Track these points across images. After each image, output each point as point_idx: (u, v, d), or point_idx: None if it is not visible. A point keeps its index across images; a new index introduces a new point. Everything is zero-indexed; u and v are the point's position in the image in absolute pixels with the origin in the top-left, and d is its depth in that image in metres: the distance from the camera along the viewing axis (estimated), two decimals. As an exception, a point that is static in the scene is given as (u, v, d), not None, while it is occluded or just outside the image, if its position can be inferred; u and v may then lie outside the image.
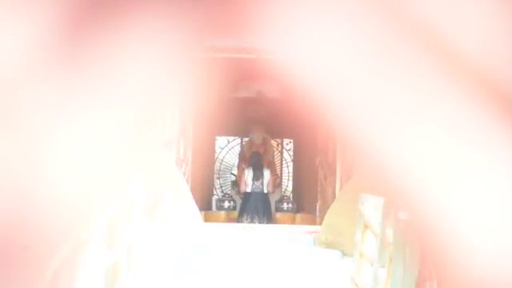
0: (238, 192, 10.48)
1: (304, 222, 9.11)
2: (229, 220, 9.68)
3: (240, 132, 11.28)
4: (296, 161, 11.49)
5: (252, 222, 9.17)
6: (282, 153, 11.65)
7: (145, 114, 0.39)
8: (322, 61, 0.38)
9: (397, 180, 0.38)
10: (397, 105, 0.37)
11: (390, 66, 0.37)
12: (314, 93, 0.38)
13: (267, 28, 0.38)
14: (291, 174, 11.61)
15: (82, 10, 0.38)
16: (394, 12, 0.37)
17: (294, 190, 11.43)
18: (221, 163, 11.57)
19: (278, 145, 11.59)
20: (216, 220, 9.12)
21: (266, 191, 9.36)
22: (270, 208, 9.50)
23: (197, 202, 6.78)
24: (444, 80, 0.37)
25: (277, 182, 10.92)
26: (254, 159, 9.64)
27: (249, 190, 9.34)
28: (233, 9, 0.38)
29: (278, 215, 10.03)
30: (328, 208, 6.95)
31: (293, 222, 9.61)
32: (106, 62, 0.38)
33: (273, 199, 10.11)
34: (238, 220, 9.33)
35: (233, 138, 11.58)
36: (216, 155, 11.53)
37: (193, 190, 7.06)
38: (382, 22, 0.37)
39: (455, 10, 0.38)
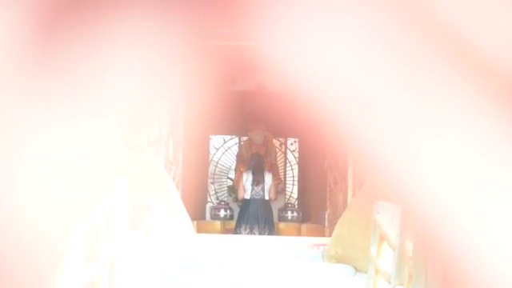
0: (236, 199, 10.49)
1: (311, 233, 9.12)
2: (225, 231, 9.69)
3: (237, 130, 11.29)
4: (302, 163, 11.50)
5: (251, 233, 9.17)
6: (285, 154, 11.65)
7: (130, 115, 0.39)
8: (329, 57, 0.38)
9: (413, 193, 0.38)
10: (416, 113, 0.38)
11: (408, 70, 0.37)
12: (321, 87, 0.38)
13: (271, 19, 0.39)
14: (296, 179, 11.62)
15: (60, 9, 0.38)
16: (416, 13, 0.38)
17: (300, 197, 11.44)
18: (216, 166, 11.58)
19: (281, 145, 11.61)
20: (210, 231, 9.13)
21: (267, 198, 9.36)
22: (271, 217, 9.51)
23: (188, 211, 6.79)
24: (472, 89, 0.38)
25: (280, 188, 10.94)
26: (254, 161, 9.64)
27: (248, 196, 9.34)
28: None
29: (282, 225, 10.04)
30: (338, 217, 6.95)
31: (298, 233, 9.62)
32: (86, 62, 0.38)
33: (275, 207, 10.12)
34: (236, 231, 9.33)
35: (229, 137, 11.59)
36: (210, 157, 11.54)
37: (184, 197, 7.06)
38: (402, 23, 0.38)
39: (479, 12, 0.38)
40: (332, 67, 0.38)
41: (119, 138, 0.39)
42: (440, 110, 0.39)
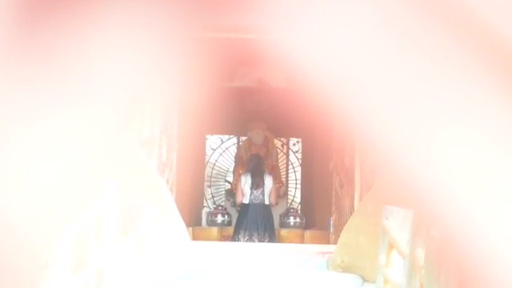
0: (234, 203, 10.49)
1: (315, 240, 9.12)
2: (222, 238, 9.68)
3: (236, 130, 11.29)
4: (305, 165, 11.50)
5: (250, 240, 9.17)
6: (287, 155, 11.66)
7: (120, 106, 0.39)
8: (336, 46, 0.38)
9: (427, 191, 0.38)
10: (429, 104, 0.38)
11: (421, 58, 0.37)
12: (326, 83, 0.38)
13: (272, 7, 0.38)
14: (299, 182, 11.62)
15: None
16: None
17: (303, 202, 11.44)
18: (212, 168, 11.58)
19: (282, 145, 11.61)
20: (207, 238, 9.13)
21: (267, 202, 9.36)
22: (272, 223, 9.50)
23: (183, 216, 6.79)
24: (490, 77, 0.37)
25: (281, 192, 10.94)
26: (254, 163, 9.64)
27: (246, 200, 9.34)
28: None
29: (283, 232, 10.04)
30: (345, 223, 6.96)
31: (301, 240, 9.62)
32: (75, 51, 0.38)
33: (276, 212, 10.12)
34: (234, 238, 9.33)
35: (227, 136, 11.59)
36: (207, 158, 11.55)
37: (178, 201, 7.07)
38: (416, 6, 0.37)
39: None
40: (340, 57, 0.38)
41: (110, 132, 0.39)
42: (456, 99, 0.39)
